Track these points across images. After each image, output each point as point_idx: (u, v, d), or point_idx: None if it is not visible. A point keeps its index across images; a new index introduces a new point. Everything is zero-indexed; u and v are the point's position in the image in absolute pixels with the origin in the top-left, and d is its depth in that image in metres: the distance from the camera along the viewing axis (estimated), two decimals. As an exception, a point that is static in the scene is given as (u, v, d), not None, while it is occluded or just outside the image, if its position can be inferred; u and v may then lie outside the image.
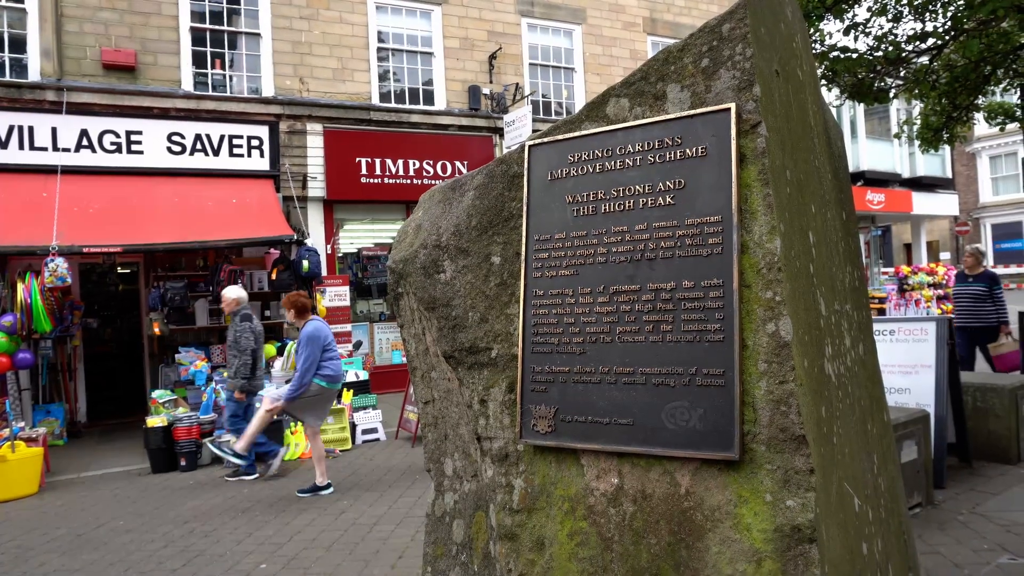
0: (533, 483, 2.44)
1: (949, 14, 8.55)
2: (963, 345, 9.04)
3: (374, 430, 9.83)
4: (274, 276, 11.24)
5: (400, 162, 13.77)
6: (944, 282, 19.49)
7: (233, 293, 8.38)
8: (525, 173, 2.56)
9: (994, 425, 6.57)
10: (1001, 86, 12.41)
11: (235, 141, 12.30)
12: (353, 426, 9.64)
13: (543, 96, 16.02)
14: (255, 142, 12.47)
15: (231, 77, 12.80)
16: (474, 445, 2.73)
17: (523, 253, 2.53)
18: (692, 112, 2.25)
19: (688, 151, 2.24)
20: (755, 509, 2.05)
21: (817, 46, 10.57)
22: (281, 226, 11.29)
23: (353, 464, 8.45)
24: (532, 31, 15.90)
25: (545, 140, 2.55)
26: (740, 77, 2.21)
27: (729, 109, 2.17)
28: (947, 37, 8.29)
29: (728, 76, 2.23)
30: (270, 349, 10.54)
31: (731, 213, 2.14)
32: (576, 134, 2.48)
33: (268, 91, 12.93)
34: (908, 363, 6.31)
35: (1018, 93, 13.09)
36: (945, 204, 26.41)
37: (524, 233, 2.53)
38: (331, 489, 7.20)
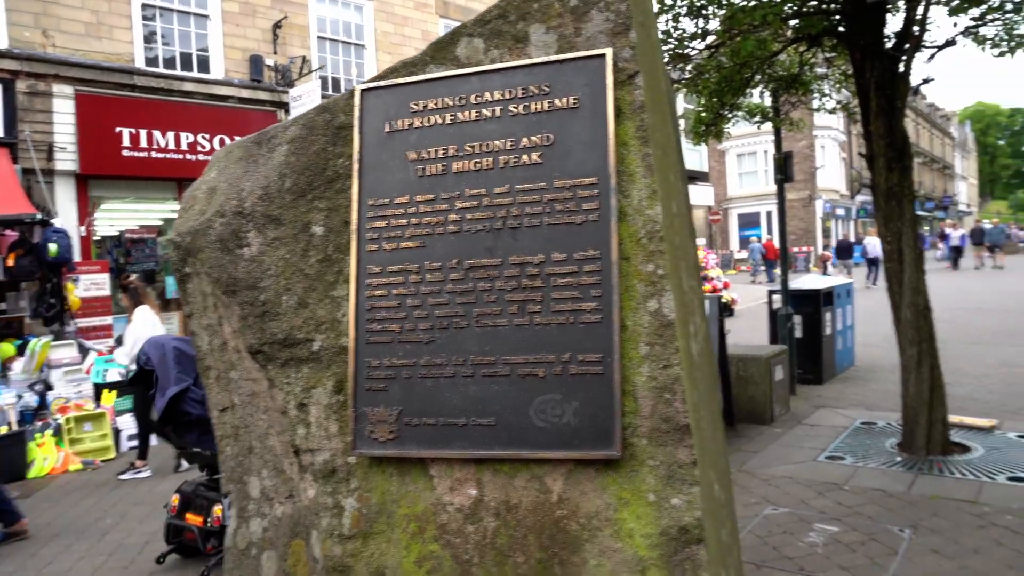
0: (369, 502, 2.00)
1: (723, 15, 9.21)
2: None
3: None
4: (11, 262, 9.47)
5: (171, 135, 12.24)
6: (703, 264, 21.42)
7: None
8: (356, 124, 2.09)
9: (752, 391, 7.23)
10: (758, 89, 13.73)
11: (-46, 99, 10.21)
12: (117, 432, 8.38)
13: (332, 74, 15.13)
14: (-17, 102, 10.44)
15: (-53, 22, 10.60)
16: (289, 459, 2.22)
17: (354, 222, 2.06)
18: (562, 57, 1.93)
19: (557, 101, 1.92)
20: (637, 512, 1.79)
21: None
22: (19, 203, 9.51)
23: (117, 476, 7.20)
24: (320, 2, 14.94)
25: (381, 84, 2.10)
26: (615, 20, 1.92)
27: (604, 56, 1.88)
28: (726, 37, 8.91)
29: (601, 19, 1.94)
30: (8, 348, 8.87)
31: (608, 174, 1.85)
32: (420, 78, 2.06)
33: (0, 42, 10.88)
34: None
35: (771, 97, 14.64)
36: (703, 195, 29.82)
37: (355, 197, 2.07)
38: None
